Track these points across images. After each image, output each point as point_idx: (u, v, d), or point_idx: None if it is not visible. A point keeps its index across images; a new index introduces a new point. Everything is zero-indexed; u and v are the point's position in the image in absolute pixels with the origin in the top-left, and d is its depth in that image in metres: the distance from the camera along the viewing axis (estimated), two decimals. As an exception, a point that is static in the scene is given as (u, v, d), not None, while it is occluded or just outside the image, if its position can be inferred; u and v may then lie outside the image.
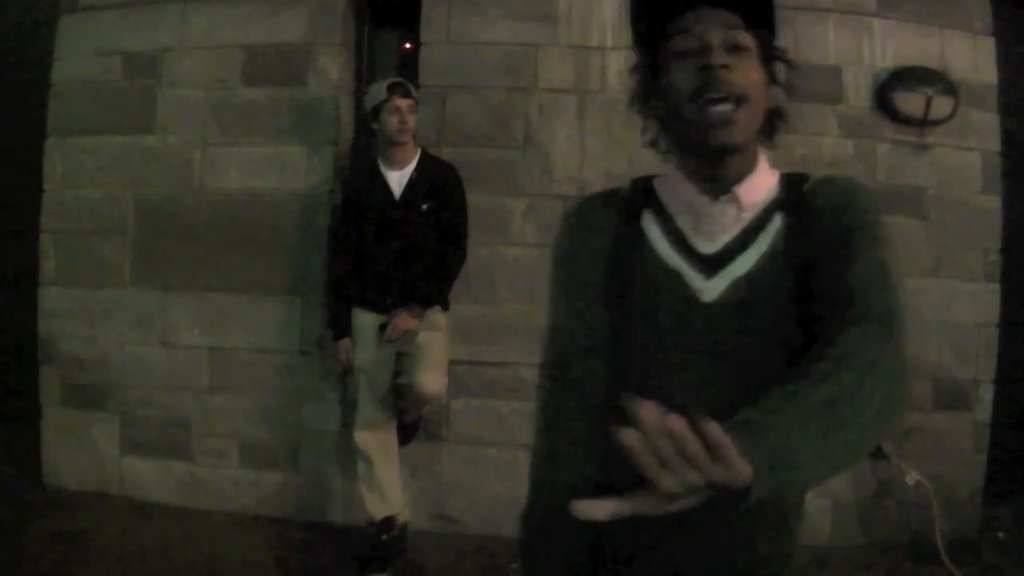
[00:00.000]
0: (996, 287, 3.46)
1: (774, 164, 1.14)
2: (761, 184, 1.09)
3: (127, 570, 2.91)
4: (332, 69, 3.46)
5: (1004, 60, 3.52)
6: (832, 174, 1.14)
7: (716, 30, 1.02)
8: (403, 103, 2.98)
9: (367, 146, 3.43)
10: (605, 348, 1.08)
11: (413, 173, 3.04)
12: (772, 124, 1.12)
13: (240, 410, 3.48)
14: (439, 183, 3.03)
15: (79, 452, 3.61)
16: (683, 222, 1.09)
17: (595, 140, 3.37)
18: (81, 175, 3.62)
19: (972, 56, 3.47)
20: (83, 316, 3.61)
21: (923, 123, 3.39)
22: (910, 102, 3.36)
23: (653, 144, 1.14)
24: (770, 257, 1.05)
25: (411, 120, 3.01)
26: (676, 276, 1.06)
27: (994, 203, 3.48)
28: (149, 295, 3.56)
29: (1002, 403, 3.49)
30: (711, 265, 1.06)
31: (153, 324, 3.55)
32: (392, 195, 3.03)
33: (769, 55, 1.08)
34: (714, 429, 0.72)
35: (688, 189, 1.08)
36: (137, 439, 3.56)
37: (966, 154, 3.47)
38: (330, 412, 3.44)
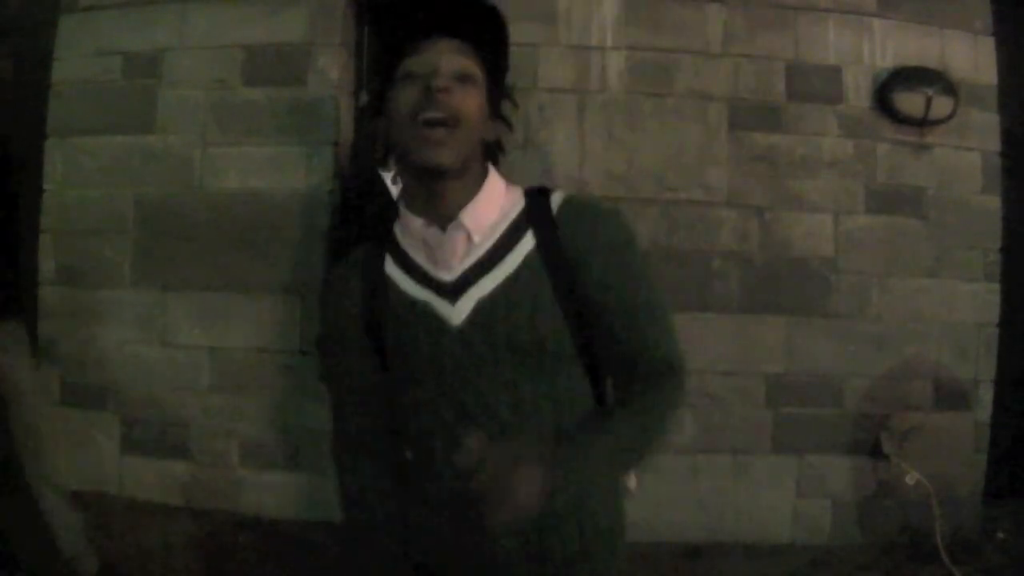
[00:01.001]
0: (996, 287, 3.46)
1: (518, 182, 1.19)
2: (488, 207, 1.12)
3: (127, 570, 2.91)
4: (332, 69, 3.46)
5: (1004, 60, 3.52)
6: (577, 196, 1.17)
7: (446, 56, 1.06)
8: None
9: (367, 146, 3.43)
10: (370, 391, 1.18)
11: (412, 173, 3.04)
12: (491, 156, 1.16)
13: (240, 410, 3.48)
14: None
15: (79, 452, 3.61)
16: (419, 256, 1.14)
17: (595, 140, 3.37)
18: (81, 175, 3.62)
19: (972, 56, 3.47)
20: (83, 316, 3.60)
21: (923, 123, 3.39)
22: (910, 102, 3.36)
23: (384, 162, 1.18)
24: (519, 275, 1.08)
25: None
26: (424, 306, 1.10)
27: (994, 203, 3.48)
28: (149, 295, 3.56)
29: (1002, 403, 3.49)
30: (454, 291, 1.09)
31: (153, 324, 3.55)
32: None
33: (495, 91, 1.12)
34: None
35: (417, 223, 1.12)
36: (137, 439, 3.56)
37: (966, 154, 3.47)
38: (330, 412, 3.43)
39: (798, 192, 3.39)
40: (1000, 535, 3.37)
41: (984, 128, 3.47)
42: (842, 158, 3.41)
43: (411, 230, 1.14)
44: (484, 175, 1.13)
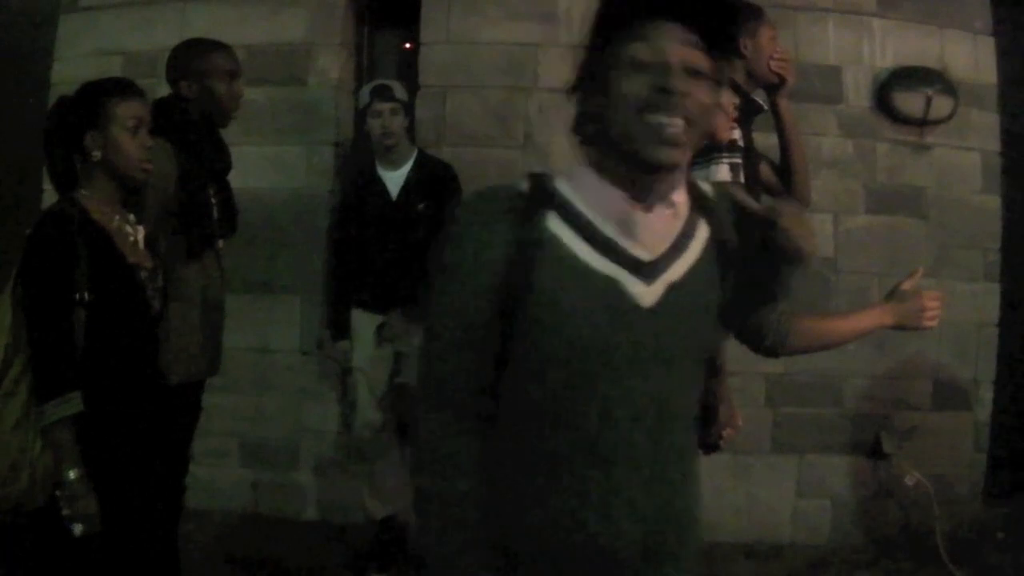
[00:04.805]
0: (996, 287, 3.46)
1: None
2: (685, 193, 1.12)
3: (127, 570, 2.91)
4: (332, 69, 3.46)
5: (1004, 60, 3.52)
6: (718, 183, 1.22)
7: (676, 48, 1.00)
8: (384, 107, 2.97)
9: (367, 146, 3.43)
10: (480, 345, 1.06)
11: (410, 173, 3.03)
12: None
13: (240, 410, 3.47)
14: (436, 183, 3.03)
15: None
16: (609, 228, 1.06)
17: (595, 140, 3.36)
18: (81, 175, 3.61)
19: (972, 56, 3.47)
20: (83, 316, 3.60)
21: (923, 123, 3.39)
22: (910, 102, 3.36)
23: (584, 139, 1.10)
24: (699, 263, 1.08)
25: (394, 124, 2.99)
26: (610, 282, 1.04)
27: (994, 203, 3.48)
28: (149, 295, 3.55)
29: (1002, 403, 3.49)
30: (648, 271, 1.05)
31: (153, 324, 3.55)
32: (389, 196, 3.03)
33: (721, 81, 1.05)
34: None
35: (616, 195, 1.05)
36: (137, 439, 3.56)
37: (966, 154, 3.47)
38: (330, 412, 3.44)
39: (798, 192, 3.39)
40: (1000, 535, 3.37)
41: (984, 128, 3.47)
42: (842, 158, 3.40)
43: (603, 198, 1.06)
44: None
